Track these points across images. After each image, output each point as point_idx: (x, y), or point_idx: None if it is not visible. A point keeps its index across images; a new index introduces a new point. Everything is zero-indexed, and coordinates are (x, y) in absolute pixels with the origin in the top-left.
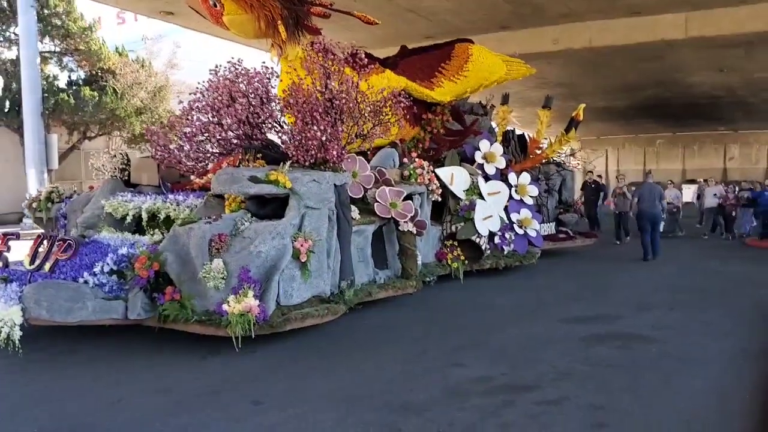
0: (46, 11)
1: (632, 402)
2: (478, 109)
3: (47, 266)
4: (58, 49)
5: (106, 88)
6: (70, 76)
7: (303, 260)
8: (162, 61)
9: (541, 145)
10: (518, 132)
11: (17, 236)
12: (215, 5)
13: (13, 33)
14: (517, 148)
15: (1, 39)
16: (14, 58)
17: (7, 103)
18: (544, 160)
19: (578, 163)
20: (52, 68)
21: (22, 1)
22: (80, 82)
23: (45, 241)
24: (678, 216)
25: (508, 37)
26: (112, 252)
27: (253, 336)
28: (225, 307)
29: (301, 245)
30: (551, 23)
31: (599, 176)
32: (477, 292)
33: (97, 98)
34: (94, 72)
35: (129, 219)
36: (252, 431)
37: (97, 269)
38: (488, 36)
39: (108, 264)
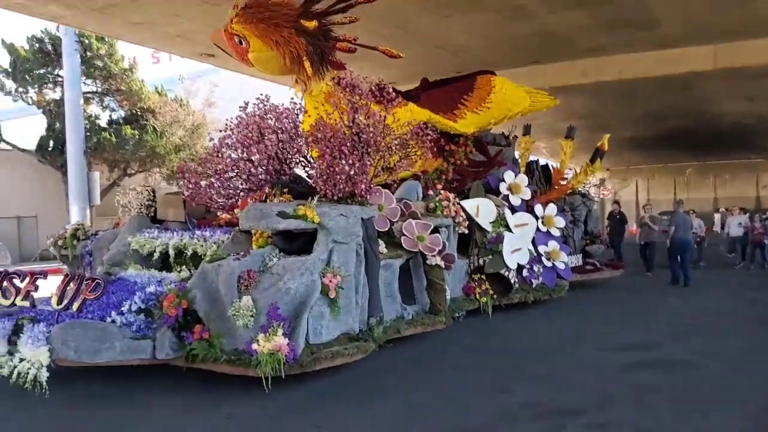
0: (89, 53)
1: (678, 425)
2: (500, 140)
3: (75, 306)
4: (99, 90)
5: (146, 127)
6: (111, 116)
7: (332, 296)
8: (199, 99)
9: (565, 176)
10: (542, 162)
11: (45, 275)
12: (241, 43)
13: (58, 75)
14: (542, 178)
15: (47, 81)
16: (57, 98)
17: (51, 143)
18: (569, 191)
19: (608, 193)
20: (94, 108)
21: (67, 45)
22: (121, 121)
23: (72, 281)
24: (703, 245)
25: (538, 71)
26: (139, 290)
27: (283, 376)
28: (254, 346)
29: (330, 281)
30: (580, 57)
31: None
32: (510, 325)
33: (137, 136)
34: (134, 111)
35: (156, 255)
36: None
37: (125, 308)
38: (518, 70)
39: (136, 302)
